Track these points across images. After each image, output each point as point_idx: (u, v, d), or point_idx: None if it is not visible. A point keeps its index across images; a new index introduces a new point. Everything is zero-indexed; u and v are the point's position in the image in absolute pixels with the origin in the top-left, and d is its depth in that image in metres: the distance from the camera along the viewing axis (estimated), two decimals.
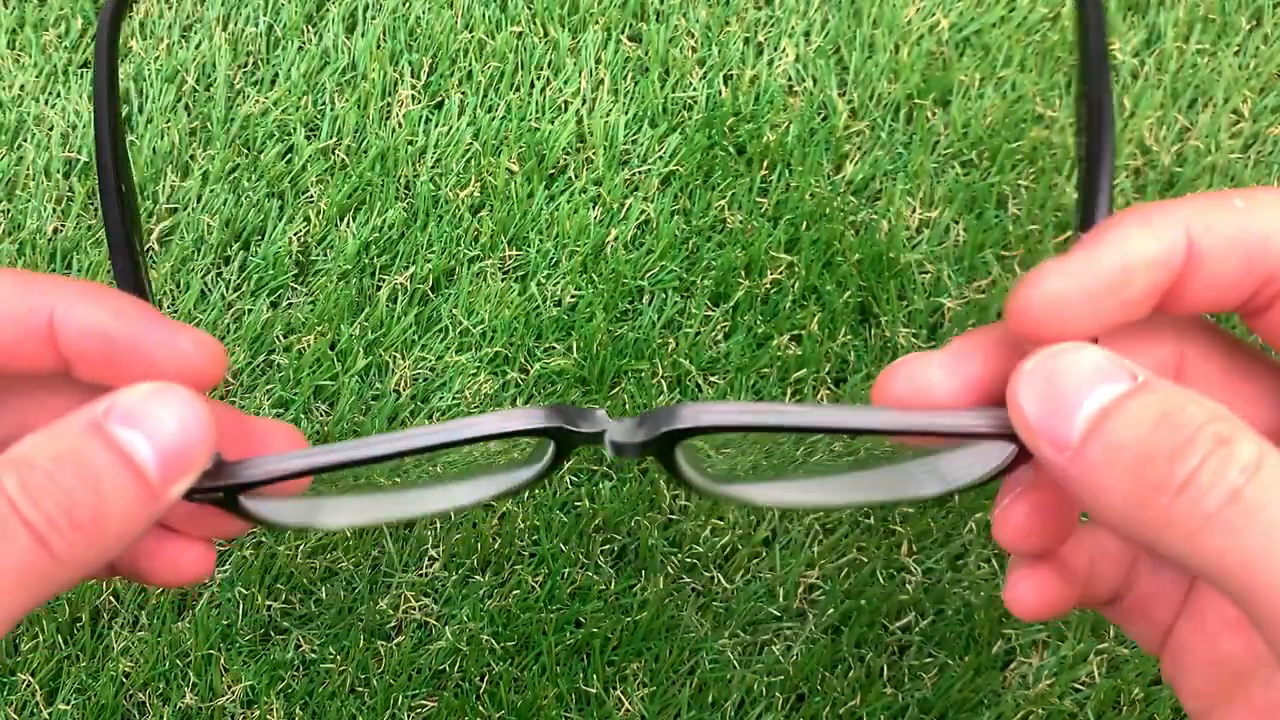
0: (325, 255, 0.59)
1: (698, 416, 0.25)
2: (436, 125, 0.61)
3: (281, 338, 0.58)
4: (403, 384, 0.57)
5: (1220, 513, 0.20)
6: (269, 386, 0.57)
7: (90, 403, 0.24)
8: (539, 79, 0.62)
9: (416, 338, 0.58)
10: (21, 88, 0.61)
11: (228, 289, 0.59)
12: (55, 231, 0.59)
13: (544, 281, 0.59)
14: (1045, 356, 0.23)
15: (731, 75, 0.62)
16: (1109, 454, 0.21)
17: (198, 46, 0.62)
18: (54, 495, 0.22)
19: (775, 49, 0.62)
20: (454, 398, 0.57)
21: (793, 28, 0.62)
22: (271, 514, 0.29)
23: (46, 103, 0.61)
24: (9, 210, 0.59)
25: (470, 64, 0.62)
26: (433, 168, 0.60)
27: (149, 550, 0.29)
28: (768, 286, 0.59)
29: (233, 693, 0.54)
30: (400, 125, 0.61)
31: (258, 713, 0.54)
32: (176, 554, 0.29)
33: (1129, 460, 0.21)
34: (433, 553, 0.56)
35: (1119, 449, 0.21)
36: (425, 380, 0.57)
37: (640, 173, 0.60)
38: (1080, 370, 0.23)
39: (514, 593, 0.55)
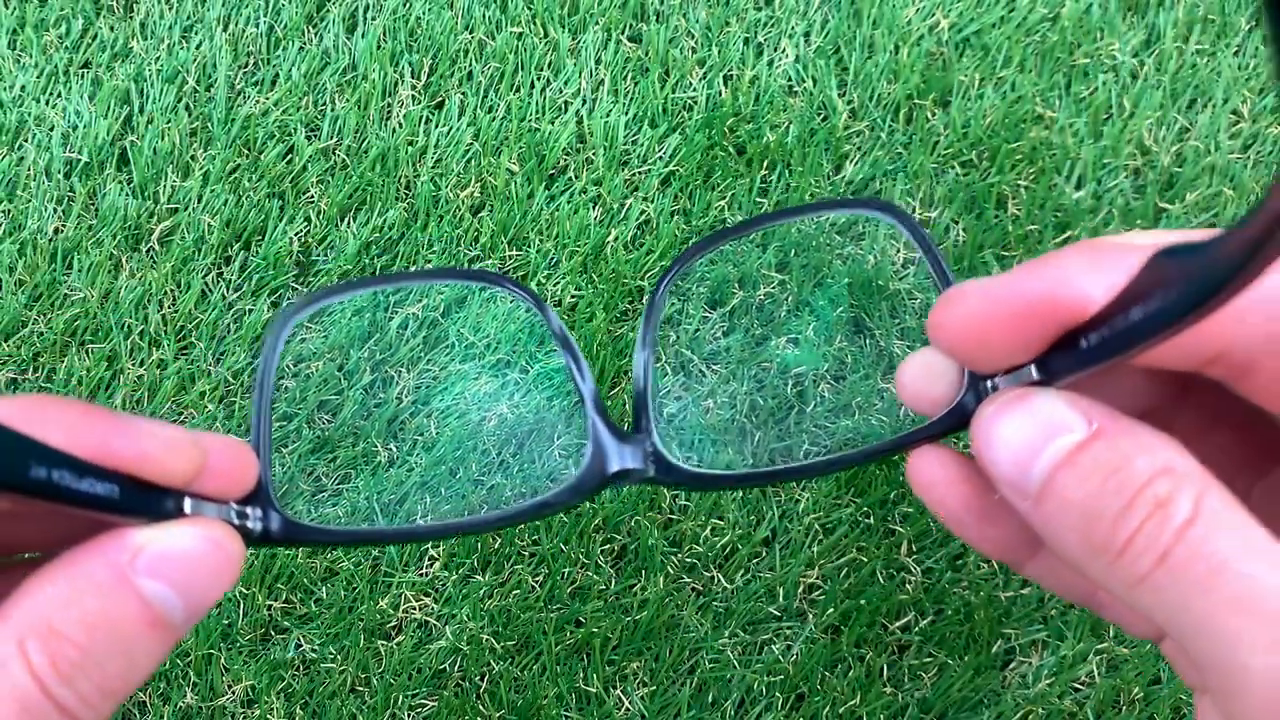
0: (326, 255, 0.59)
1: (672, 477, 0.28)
2: (437, 125, 0.61)
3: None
4: (405, 393, 0.57)
5: (1150, 574, 0.22)
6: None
7: (109, 538, 0.22)
8: (539, 79, 0.62)
9: (422, 354, 0.58)
10: (22, 88, 0.61)
11: (228, 289, 0.59)
12: (56, 231, 0.59)
13: (544, 281, 0.59)
14: (1004, 403, 0.24)
15: (731, 76, 0.62)
16: (1061, 510, 0.23)
17: (198, 47, 0.62)
18: (88, 673, 0.21)
19: (775, 49, 0.62)
20: (454, 398, 0.57)
21: (793, 28, 0.63)
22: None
23: (47, 103, 0.61)
24: (10, 210, 0.59)
25: (470, 64, 0.62)
26: (433, 168, 0.60)
27: None
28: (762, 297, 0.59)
29: (233, 692, 0.54)
30: (400, 125, 0.61)
31: (258, 712, 0.54)
32: None
33: (1078, 519, 0.23)
34: (433, 553, 0.56)
35: (1069, 506, 0.23)
36: (428, 387, 0.57)
37: (640, 173, 0.60)
38: (1036, 419, 0.24)
39: (514, 592, 0.55)
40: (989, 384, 0.26)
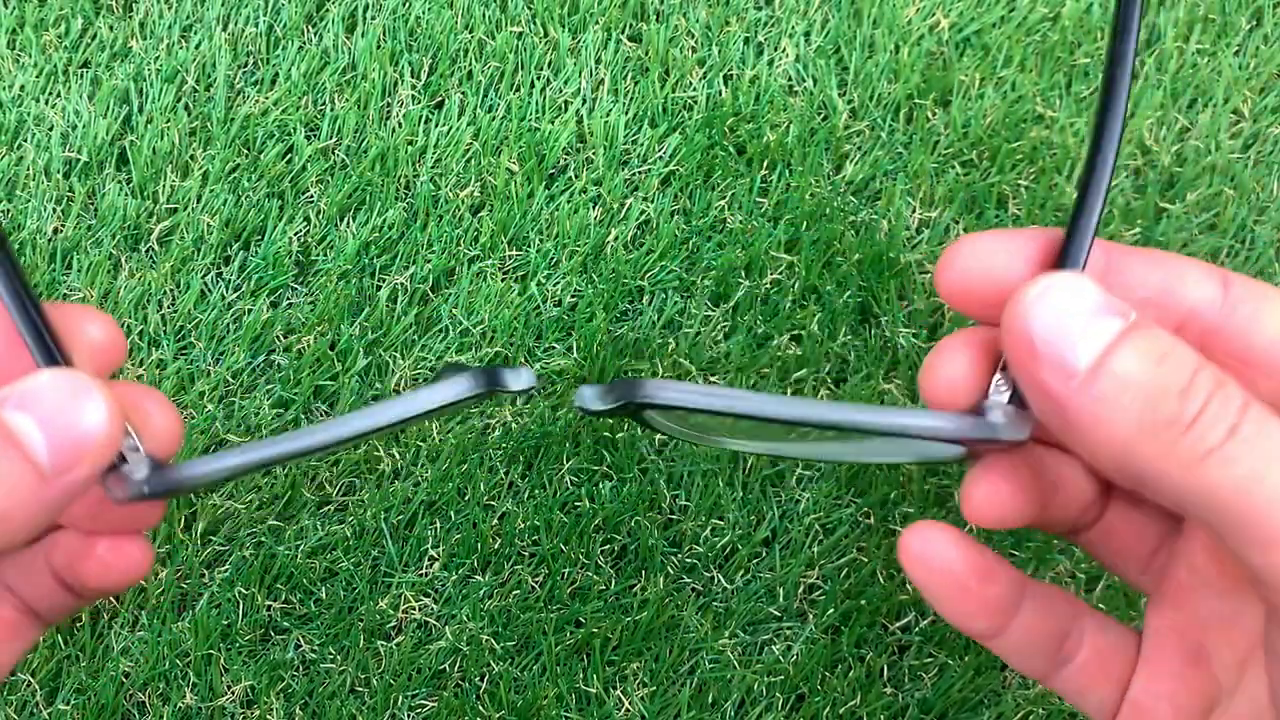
0: (325, 255, 0.59)
1: (660, 393, 0.27)
2: (436, 125, 0.61)
3: (281, 337, 0.58)
4: (403, 384, 0.57)
5: (1221, 446, 0.21)
6: (269, 386, 0.57)
7: None
8: (539, 79, 0.62)
9: (416, 338, 0.58)
10: (21, 88, 0.61)
11: (228, 289, 0.58)
12: (55, 231, 0.59)
13: (544, 281, 0.59)
14: (1047, 284, 0.23)
15: (731, 75, 0.62)
16: (1118, 386, 0.22)
17: (198, 46, 0.62)
18: None
19: (775, 49, 0.62)
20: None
21: (793, 28, 0.62)
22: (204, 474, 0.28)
23: (46, 103, 0.61)
24: (9, 210, 0.59)
25: (470, 64, 0.62)
26: (433, 168, 0.60)
27: (78, 552, 0.29)
28: (768, 286, 0.59)
29: (233, 693, 0.54)
30: (400, 125, 0.61)
31: (258, 713, 0.54)
32: (106, 554, 0.28)
33: (1135, 395, 0.22)
34: (433, 553, 0.56)
35: (1127, 382, 0.22)
36: (425, 380, 0.57)
37: (640, 173, 0.60)
38: (1083, 301, 0.23)
39: (514, 593, 0.55)
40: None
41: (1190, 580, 0.29)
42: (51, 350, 0.25)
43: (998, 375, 0.26)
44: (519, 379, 0.28)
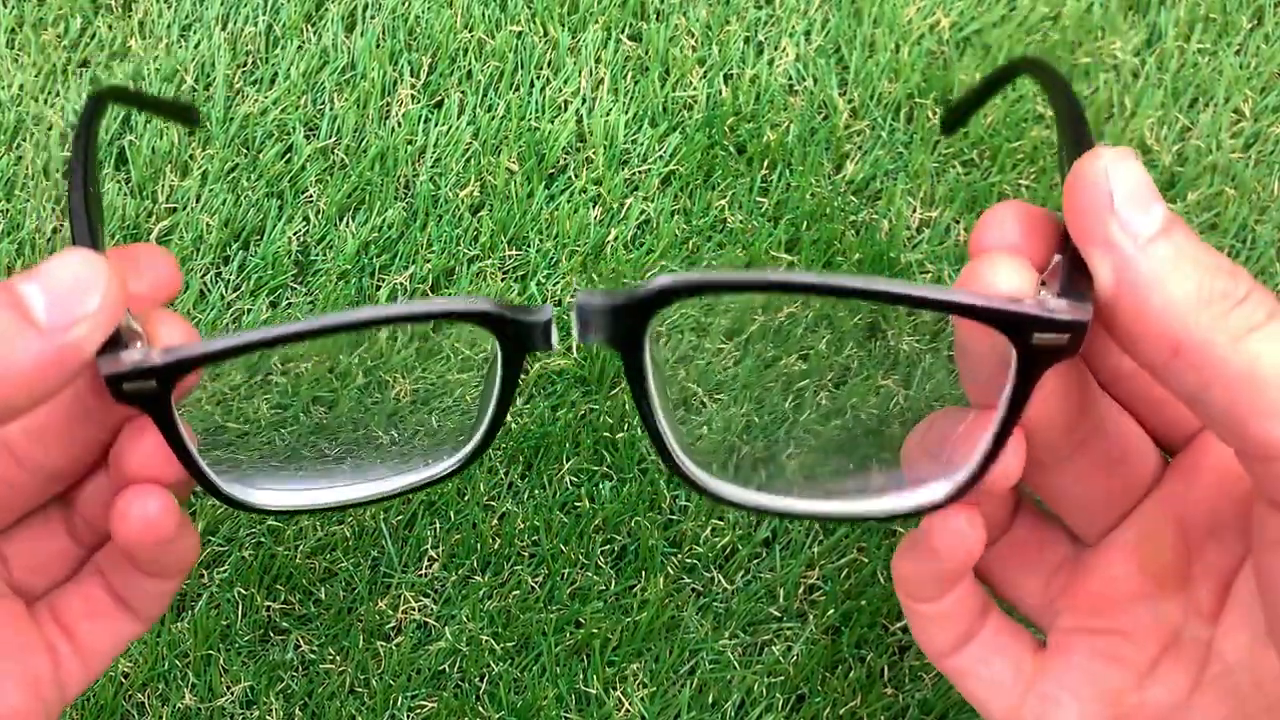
0: (325, 255, 0.59)
1: (681, 280, 0.26)
2: (436, 125, 0.61)
3: (280, 364, 0.58)
4: (402, 393, 0.57)
5: (1264, 325, 0.24)
6: (267, 396, 0.57)
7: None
8: (539, 78, 0.62)
9: (416, 363, 0.58)
10: (20, 87, 0.61)
11: (227, 289, 0.58)
12: (55, 231, 0.59)
13: (544, 281, 0.59)
14: (1123, 153, 0.25)
15: (732, 75, 0.62)
16: (1179, 254, 0.24)
17: (196, 46, 0.62)
18: None
19: (775, 48, 0.62)
20: (454, 401, 0.57)
21: (793, 27, 0.62)
22: (211, 469, 0.28)
23: (45, 102, 0.61)
24: (8, 210, 0.59)
25: (470, 63, 0.62)
26: (432, 167, 0.60)
27: (101, 496, 0.30)
28: None
29: (232, 693, 0.54)
30: (400, 125, 0.61)
31: (257, 713, 0.54)
32: (129, 502, 0.28)
33: (1196, 266, 0.24)
34: (432, 553, 0.55)
35: (1187, 253, 0.24)
36: (427, 389, 0.57)
37: (640, 172, 0.60)
38: (1147, 177, 0.25)
39: (514, 593, 0.55)
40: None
41: (1106, 590, 0.31)
42: (85, 235, 0.26)
43: (1044, 274, 0.27)
44: (538, 312, 0.27)
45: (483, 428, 0.31)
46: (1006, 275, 0.26)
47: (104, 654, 0.31)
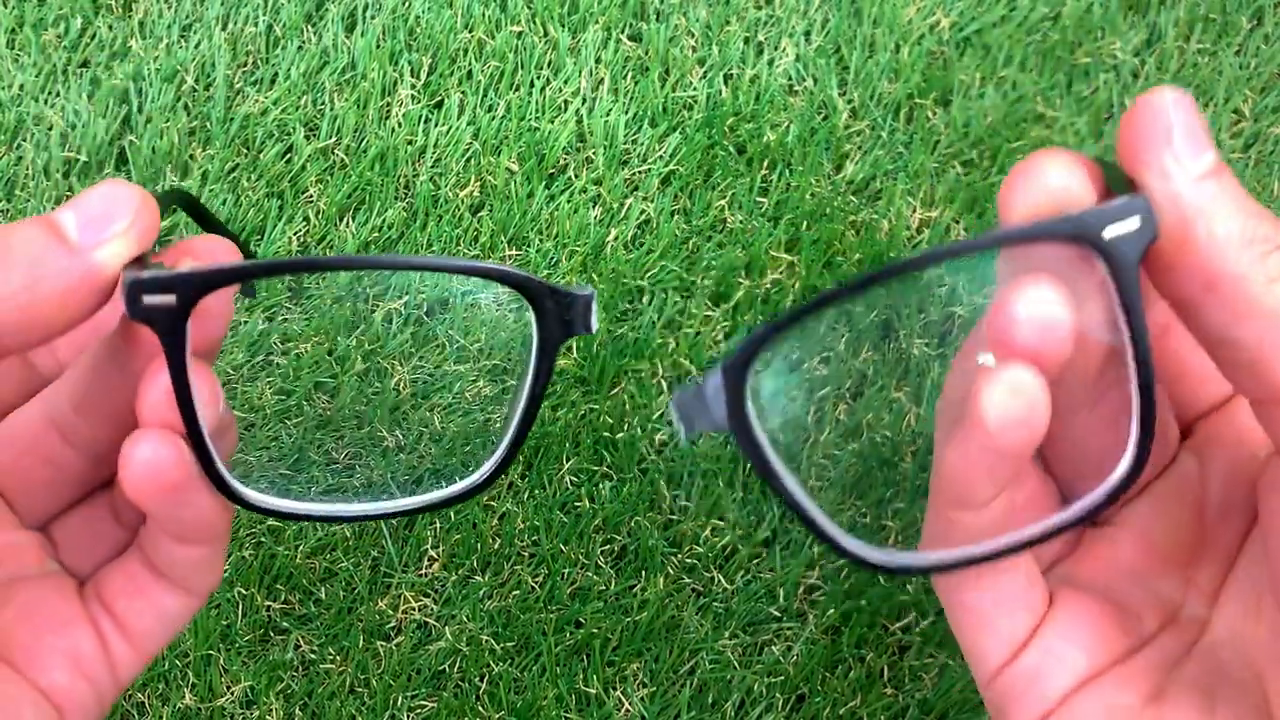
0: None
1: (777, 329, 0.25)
2: (436, 125, 0.61)
3: (280, 343, 0.58)
4: (402, 385, 0.57)
5: None
6: (269, 380, 0.57)
7: None
8: (539, 78, 0.62)
9: (413, 350, 0.58)
10: (21, 87, 0.61)
11: None
12: None
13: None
14: (1181, 94, 0.26)
15: (732, 75, 0.62)
16: (1225, 194, 0.25)
17: (197, 46, 0.62)
18: None
19: (775, 48, 0.62)
20: (454, 398, 0.57)
21: (793, 27, 0.62)
22: (244, 491, 0.28)
23: (46, 102, 0.61)
24: (8, 210, 0.59)
25: (470, 63, 0.62)
26: (432, 167, 0.60)
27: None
28: (768, 286, 0.58)
29: (232, 693, 0.54)
30: (400, 125, 0.61)
31: (257, 713, 0.54)
32: (134, 445, 0.27)
33: (1240, 208, 0.25)
34: (432, 553, 0.55)
35: (1234, 196, 0.25)
36: (425, 382, 0.57)
37: (640, 172, 0.60)
38: (1204, 122, 0.26)
39: (514, 593, 0.55)
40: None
41: (1110, 563, 0.31)
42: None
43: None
44: (579, 291, 0.27)
45: (513, 426, 0.30)
46: (1057, 173, 0.26)
47: (150, 634, 0.31)
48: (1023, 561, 0.30)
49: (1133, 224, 0.25)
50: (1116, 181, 0.26)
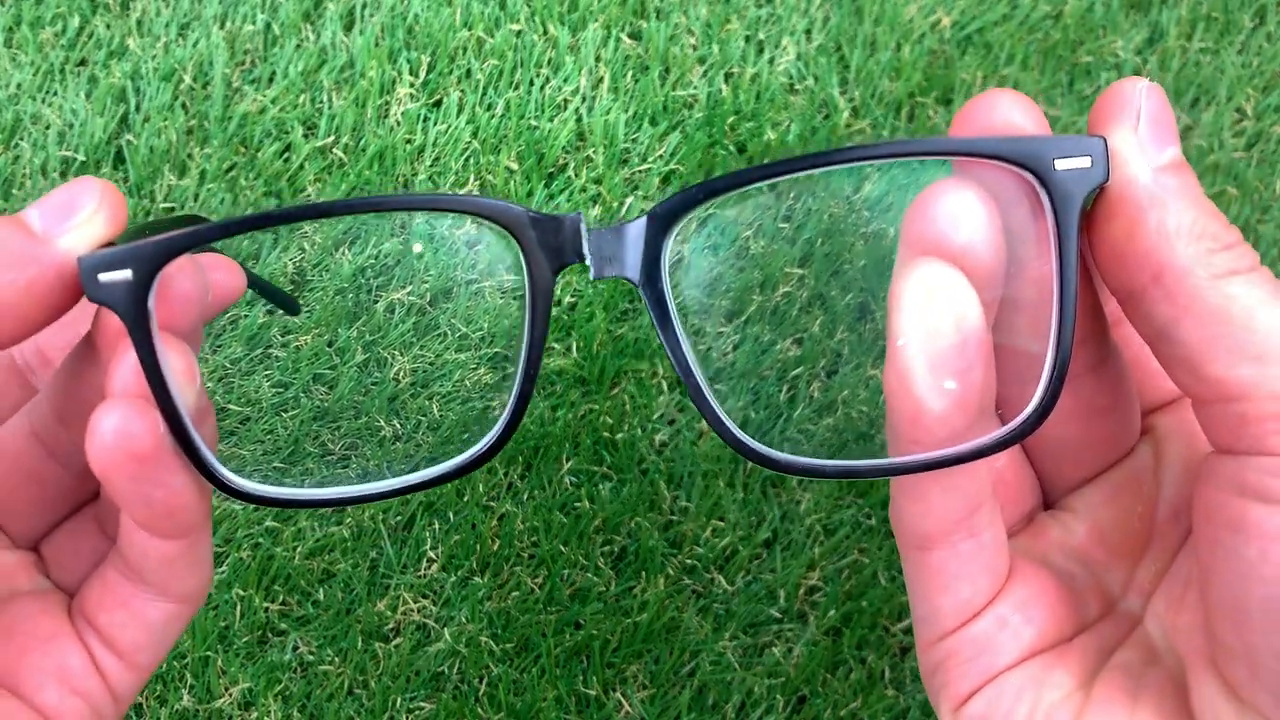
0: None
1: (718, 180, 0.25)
2: (435, 123, 0.60)
3: (279, 336, 0.57)
4: (401, 374, 0.57)
5: (1245, 273, 0.25)
6: (268, 373, 0.57)
7: None
8: (538, 77, 0.61)
9: (415, 339, 0.58)
10: (18, 86, 0.61)
11: None
12: None
13: None
14: (1155, 86, 0.26)
15: (732, 73, 0.62)
16: (1182, 189, 0.25)
17: (195, 44, 0.61)
18: None
19: (776, 47, 0.62)
20: (454, 385, 0.56)
21: (794, 26, 0.62)
22: (235, 480, 0.27)
23: (43, 101, 0.60)
24: (5, 209, 0.59)
25: (469, 62, 0.61)
26: (431, 166, 0.60)
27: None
28: None
29: (230, 695, 0.54)
30: (399, 123, 0.60)
31: (255, 715, 0.54)
32: (100, 415, 0.25)
33: (1193, 204, 0.25)
34: (431, 554, 0.55)
35: (1190, 192, 0.25)
36: (425, 371, 0.57)
37: (640, 171, 0.60)
38: (1174, 116, 0.26)
39: (513, 594, 0.55)
40: None
41: (1059, 547, 0.31)
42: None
43: None
44: (566, 218, 0.26)
45: (517, 383, 0.28)
46: (1012, 109, 0.25)
47: (138, 646, 0.29)
48: (992, 525, 0.30)
49: (1083, 162, 0.25)
50: None
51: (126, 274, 0.24)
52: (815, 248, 0.54)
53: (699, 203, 0.26)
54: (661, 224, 0.26)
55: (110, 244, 0.26)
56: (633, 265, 0.26)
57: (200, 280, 0.27)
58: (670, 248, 0.26)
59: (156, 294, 0.25)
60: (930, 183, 0.25)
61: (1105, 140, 0.25)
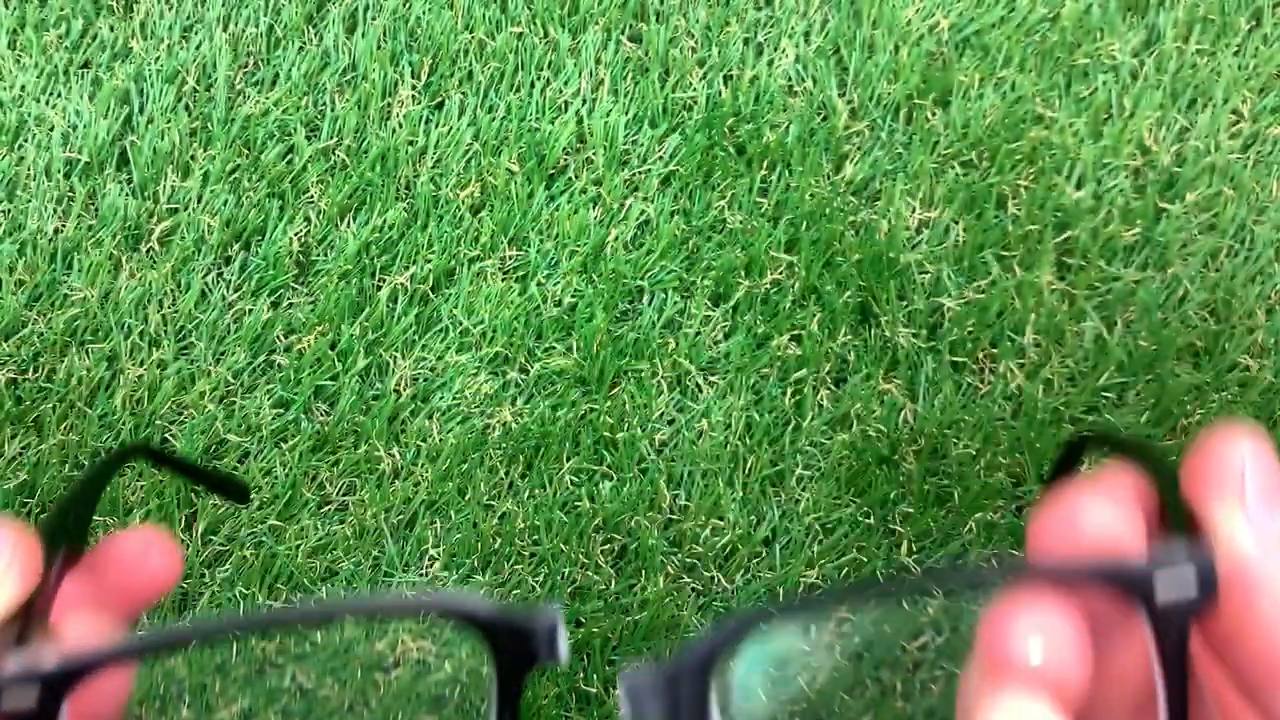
0: (326, 255, 0.59)
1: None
2: (437, 125, 0.61)
3: (282, 337, 0.58)
4: (403, 384, 0.57)
5: None
6: (269, 386, 0.57)
7: None
8: (539, 79, 0.62)
9: (416, 338, 0.58)
10: (22, 88, 0.61)
11: (228, 289, 0.59)
12: (56, 231, 0.59)
13: (544, 281, 0.59)
14: (1259, 440, 0.22)
15: (731, 75, 0.62)
16: None
17: (198, 47, 0.62)
18: None
19: (775, 49, 0.62)
20: (454, 397, 0.57)
21: (793, 28, 0.63)
22: None
23: (47, 103, 0.61)
24: (10, 210, 0.59)
25: (470, 64, 0.62)
26: (433, 168, 0.60)
27: None
28: (768, 286, 0.59)
29: None
30: (400, 125, 0.61)
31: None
32: None
33: None
34: (433, 552, 0.56)
35: None
36: (425, 380, 0.57)
37: (640, 173, 0.60)
38: None
39: (514, 592, 0.55)
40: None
41: None
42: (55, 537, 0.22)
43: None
44: (542, 616, 0.21)
45: None
46: (1099, 513, 0.22)
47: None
48: None
49: (1188, 582, 0.21)
50: (1175, 510, 0.23)
51: (31, 698, 0.20)
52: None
53: (737, 637, 0.21)
54: (696, 677, 0.21)
55: (25, 618, 0.22)
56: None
57: (127, 677, 0.24)
58: (717, 689, 0.21)
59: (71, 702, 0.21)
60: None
61: (1210, 559, 0.22)
